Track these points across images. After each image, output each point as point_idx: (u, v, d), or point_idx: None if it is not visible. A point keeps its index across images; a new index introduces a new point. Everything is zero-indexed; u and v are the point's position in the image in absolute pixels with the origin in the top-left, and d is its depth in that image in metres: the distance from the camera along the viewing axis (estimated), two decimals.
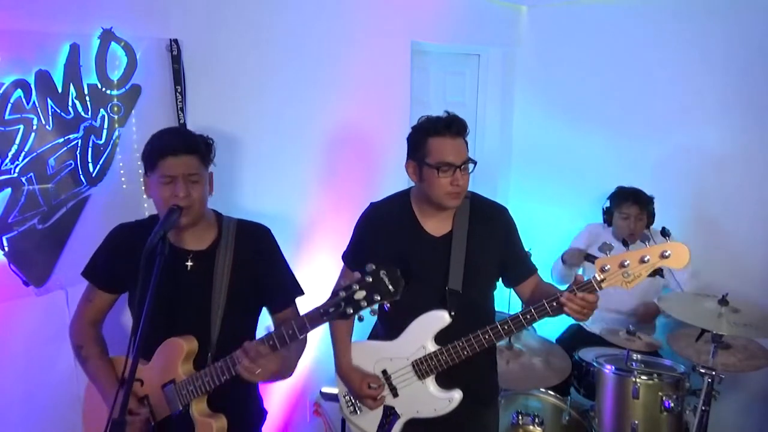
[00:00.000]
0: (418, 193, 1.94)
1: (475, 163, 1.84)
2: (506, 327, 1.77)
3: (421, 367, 1.89)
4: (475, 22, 3.44)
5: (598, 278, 1.66)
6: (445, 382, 1.91)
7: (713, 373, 2.33)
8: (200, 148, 1.66)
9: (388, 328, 1.98)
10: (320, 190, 2.78)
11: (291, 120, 2.59)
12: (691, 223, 3.16)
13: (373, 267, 1.41)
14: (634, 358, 2.58)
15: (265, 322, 1.85)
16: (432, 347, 1.87)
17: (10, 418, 1.99)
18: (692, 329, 2.59)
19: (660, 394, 2.43)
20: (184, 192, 1.60)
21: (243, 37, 2.37)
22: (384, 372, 1.95)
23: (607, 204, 3.11)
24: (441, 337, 1.86)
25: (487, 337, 1.79)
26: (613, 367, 2.53)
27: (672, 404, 2.42)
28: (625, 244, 2.19)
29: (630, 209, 2.98)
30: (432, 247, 1.90)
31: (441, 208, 1.87)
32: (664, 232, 1.71)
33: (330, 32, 2.67)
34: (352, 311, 1.42)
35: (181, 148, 1.61)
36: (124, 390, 1.44)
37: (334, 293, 1.45)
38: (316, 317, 1.49)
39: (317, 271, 2.73)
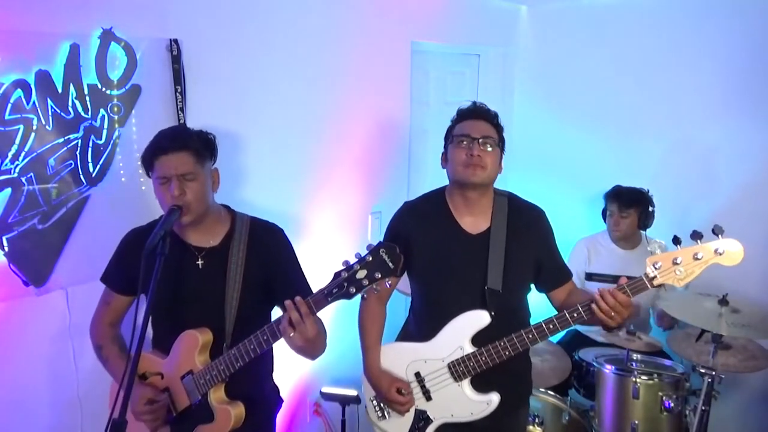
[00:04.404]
0: (450, 186, 1.93)
1: (500, 145, 1.86)
2: (551, 326, 1.73)
3: (458, 369, 1.84)
4: (475, 21, 3.44)
5: (650, 275, 1.61)
6: (481, 384, 1.87)
7: (713, 373, 2.33)
8: (193, 144, 1.66)
9: (422, 328, 1.95)
10: (320, 190, 2.78)
11: (291, 120, 2.59)
12: (691, 222, 3.15)
13: (373, 245, 1.43)
14: (634, 358, 2.59)
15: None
16: (469, 348, 1.83)
17: (10, 418, 1.98)
18: (692, 329, 2.59)
19: (660, 394, 2.43)
20: (178, 191, 1.62)
21: (243, 37, 2.37)
22: (417, 374, 1.91)
23: (604, 205, 3.13)
24: (477, 338, 1.83)
25: (530, 336, 1.75)
26: (613, 367, 2.53)
27: (672, 404, 2.42)
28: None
29: (612, 206, 3.02)
30: (469, 245, 1.87)
31: (464, 187, 1.85)
32: (676, 240, 1.63)
33: (330, 32, 2.67)
34: (355, 290, 1.45)
35: (171, 146, 1.63)
36: (125, 390, 1.45)
37: (336, 275, 1.48)
38: (321, 299, 1.52)
39: (316, 266, 2.73)
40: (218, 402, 1.71)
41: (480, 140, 1.81)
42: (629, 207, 2.97)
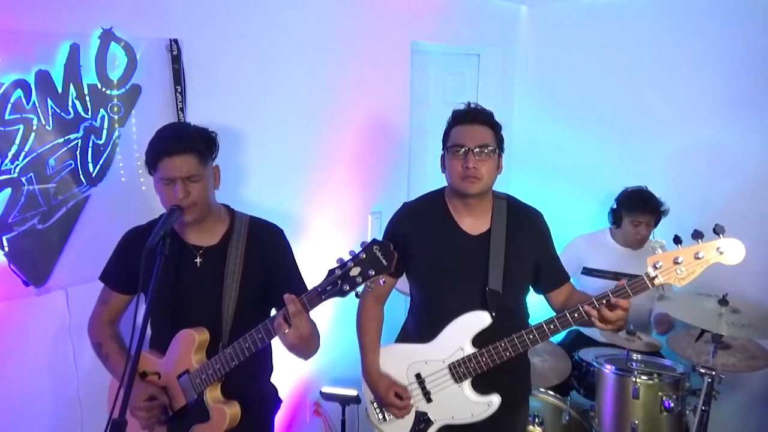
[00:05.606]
0: (450, 190, 1.93)
1: (496, 150, 1.83)
2: (552, 326, 1.72)
3: (459, 370, 1.84)
4: (475, 22, 3.44)
5: (651, 275, 1.60)
6: (481, 385, 1.86)
7: (713, 373, 2.33)
8: (197, 145, 1.66)
9: (422, 329, 1.94)
10: (320, 190, 2.78)
11: (290, 120, 2.59)
12: (691, 221, 3.15)
13: (366, 243, 1.43)
14: (634, 358, 2.59)
15: None
16: (470, 349, 1.82)
17: (11, 417, 1.98)
18: (692, 329, 2.59)
19: (660, 394, 2.44)
20: (182, 193, 1.62)
21: (243, 37, 2.37)
22: (418, 376, 1.91)
23: (615, 206, 3.05)
24: (476, 339, 1.83)
25: (531, 336, 1.74)
26: (613, 367, 2.53)
27: (672, 404, 2.42)
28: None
29: (643, 217, 2.94)
30: (469, 246, 1.87)
31: (463, 196, 1.85)
32: (677, 240, 1.61)
33: (330, 32, 2.67)
34: (348, 288, 1.44)
35: (176, 149, 1.62)
36: (125, 390, 1.45)
37: (330, 272, 1.47)
38: (315, 297, 1.51)
39: (316, 266, 2.73)
40: (214, 401, 1.71)
41: (475, 150, 1.79)
42: (654, 215, 2.94)
